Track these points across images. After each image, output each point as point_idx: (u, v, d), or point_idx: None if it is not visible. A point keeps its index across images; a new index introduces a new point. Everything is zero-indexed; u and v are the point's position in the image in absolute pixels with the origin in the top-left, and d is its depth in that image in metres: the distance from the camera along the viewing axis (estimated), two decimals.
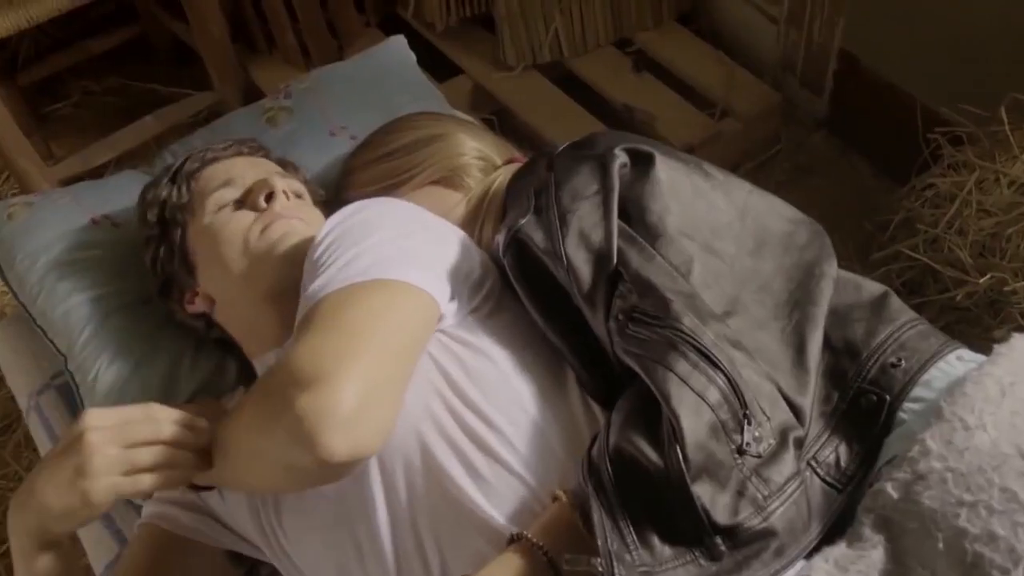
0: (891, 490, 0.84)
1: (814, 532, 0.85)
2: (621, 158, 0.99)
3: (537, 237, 0.94)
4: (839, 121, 2.08)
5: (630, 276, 0.90)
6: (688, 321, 0.86)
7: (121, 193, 1.35)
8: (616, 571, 0.75)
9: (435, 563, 0.87)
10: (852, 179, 2.01)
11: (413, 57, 1.52)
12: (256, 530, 1.01)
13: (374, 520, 0.89)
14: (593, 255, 0.92)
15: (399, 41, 1.54)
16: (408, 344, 0.87)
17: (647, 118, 2.01)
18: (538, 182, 1.01)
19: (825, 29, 1.97)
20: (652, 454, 0.80)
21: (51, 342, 1.26)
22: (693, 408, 0.81)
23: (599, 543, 0.76)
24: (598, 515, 0.78)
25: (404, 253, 0.93)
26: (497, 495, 0.86)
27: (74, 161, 2.09)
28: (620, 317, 0.89)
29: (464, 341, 0.94)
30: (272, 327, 1.06)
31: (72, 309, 1.24)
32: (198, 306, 1.14)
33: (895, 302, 0.99)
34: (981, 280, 1.20)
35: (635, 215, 0.96)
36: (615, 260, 0.92)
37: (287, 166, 1.23)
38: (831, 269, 0.98)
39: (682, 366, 0.83)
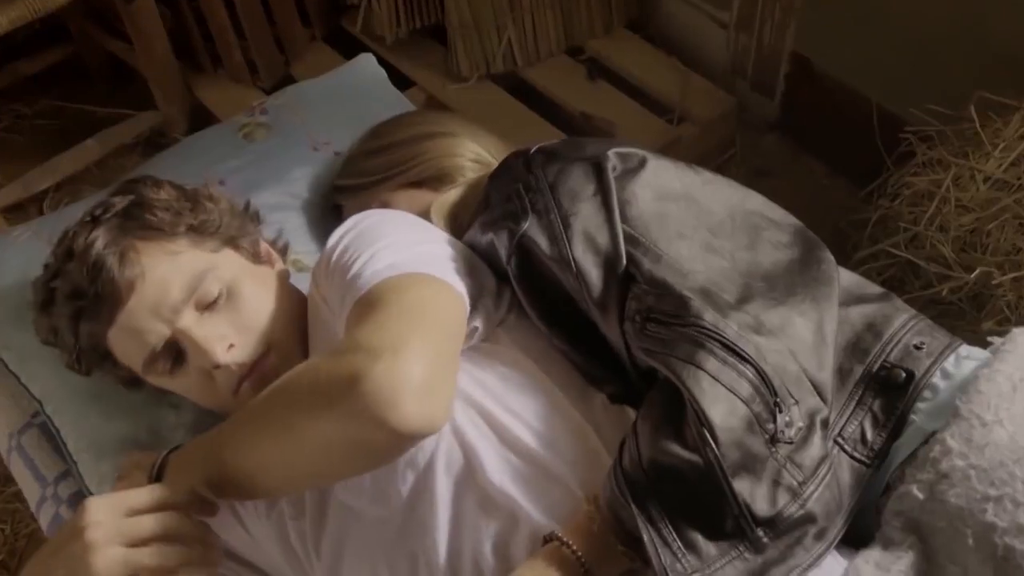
0: (917, 491, 0.86)
1: (846, 511, 0.86)
2: (612, 160, 0.99)
3: (542, 243, 0.93)
4: (791, 123, 2.11)
5: (644, 277, 0.90)
6: (710, 316, 0.86)
7: None
8: None
9: (489, 563, 0.86)
10: (807, 181, 2.05)
11: (384, 73, 1.51)
12: (286, 558, 0.98)
13: (432, 535, 0.87)
14: (601, 258, 0.92)
15: (368, 59, 1.53)
16: (457, 331, 0.89)
17: (606, 126, 2.02)
18: (524, 182, 0.99)
19: (776, 33, 2.01)
20: (689, 457, 0.80)
21: (25, 388, 1.21)
22: (727, 405, 0.81)
23: (654, 563, 0.77)
24: (647, 534, 0.77)
25: (433, 258, 0.94)
26: (542, 495, 0.86)
27: (15, 188, 2.02)
28: (637, 319, 0.88)
29: (491, 352, 0.95)
30: None
31: (46, 352, 1.16)
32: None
33: (899, 300, 1.02)
34: (971, 275, 1.23)
35: (632, 216, 0.95)
36: (624, 262, 0.91)
37: (205, 222, 1.03)
38: (828, 255, 0.99)
39: (711, 363, 0.82)
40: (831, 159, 2.04)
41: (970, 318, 1.29)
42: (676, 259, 0.91)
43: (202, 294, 0.97)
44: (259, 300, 1.01)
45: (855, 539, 0.87)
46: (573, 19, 2.16)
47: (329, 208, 1.29)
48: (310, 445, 0.81)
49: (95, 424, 1.16)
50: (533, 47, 2.15)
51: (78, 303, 0.98)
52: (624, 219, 0.94)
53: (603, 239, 0.92)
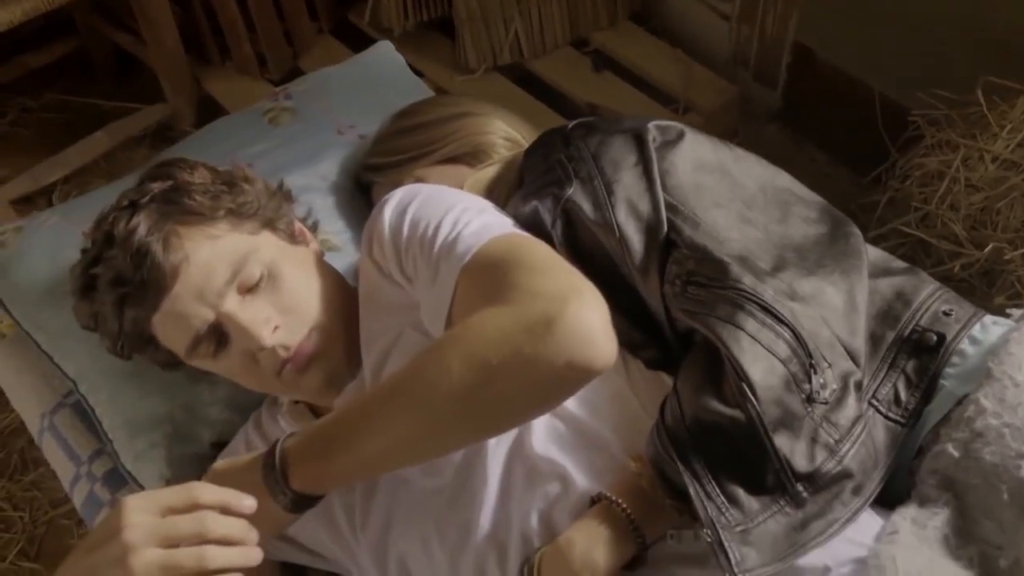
0: (952, 450, 0.88)
1: (883, 468, 0.89)
2: (652, 132, 1.02)
3: (586, 207, 0.96)
4: (792, 113, 2.14)
5: (685, 243, 0.93)
6: (748, 280, 0.89)
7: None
8: (723, 538, 0.77)
9: (534, 530, 0.88)
10: (810, 170, 2.08)
11: (402, 59, 1.52)
12: (330, 535, 0.99)
13: (482, 503, 0.89)
14: (643, 224, 0.95)
15: (387, 46, 1.54)
16: None
17: (613, 116, 2.04)
18: (566, 153, 1.02)
19: (778, 24, 2.04)
20: (731, 414, 0.82)
21: (58, 366, 1.21)
22: (766, 364, 0.84)
23: (701, 515, 0.79)
24: (692, 488, 0.80)
25: (507, 221, 0.95)
26: (588, 462, 0.88)
27: (24, 180, 2.02)
28: (677, 283, 0.91)
29: None
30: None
31: (79, 332, 1.16)
32: None
33: (923, 273, 1.05)
34: (984, 251, 1.27)
35: (672, 186, 0.98)
36: (666, 228, 0.94)
37: (244, 204, 1.03)
38: (855, 231, 1.02)
39: (751, 324, 0.86)
40: (833, 148, 2.07)
41: (981, 294, 1.33)
42: (713, 227, 0.94)
43: (245, 277, 0.98)
44: (299, 281, 1.01)
45: (889, 502, 0.89)
46: (578, 11, 2.19)
47: (357, 189, 1.31)
48: (496, 396, 0.78)
49: (130, 401, 1.17)
50: (539, 39, 2.18)
51: (122, 290, 0.98)
52: (664, 188, 0.97)
53: (645, 206, 0.95)
